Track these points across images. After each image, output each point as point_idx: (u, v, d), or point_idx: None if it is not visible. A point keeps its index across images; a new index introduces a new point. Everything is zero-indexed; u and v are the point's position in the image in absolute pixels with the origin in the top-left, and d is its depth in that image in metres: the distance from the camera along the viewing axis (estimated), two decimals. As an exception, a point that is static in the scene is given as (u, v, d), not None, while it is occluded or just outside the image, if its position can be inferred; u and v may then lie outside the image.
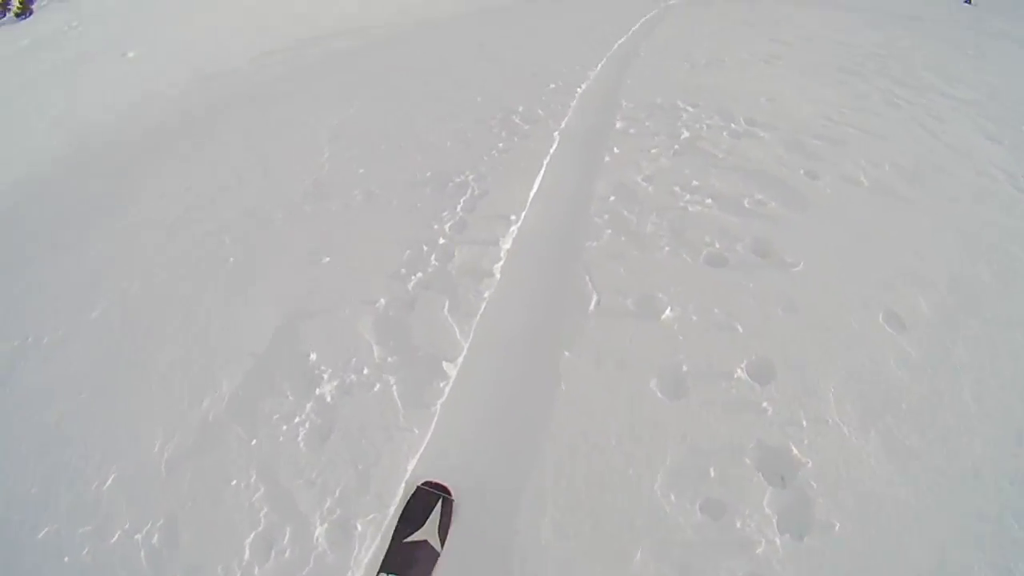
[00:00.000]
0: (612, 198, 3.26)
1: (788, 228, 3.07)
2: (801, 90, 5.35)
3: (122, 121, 5.85)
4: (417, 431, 2.11)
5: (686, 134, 4.11)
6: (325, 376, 2.31)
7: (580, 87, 5.17)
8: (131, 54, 7.98)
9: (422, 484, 1.96)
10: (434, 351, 2.39)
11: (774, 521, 1.81)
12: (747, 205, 3.25)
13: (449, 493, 1.95)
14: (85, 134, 5.59)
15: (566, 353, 2.32)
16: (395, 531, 1.86)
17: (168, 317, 2.71)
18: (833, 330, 2.44)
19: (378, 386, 2.27)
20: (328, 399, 2.23)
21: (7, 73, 7.46)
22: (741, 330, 2.40)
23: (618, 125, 4.24)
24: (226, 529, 1.86)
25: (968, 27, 11.15)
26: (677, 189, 3.37)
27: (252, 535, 1.84)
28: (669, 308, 2.50)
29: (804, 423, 2.10)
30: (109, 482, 2.04)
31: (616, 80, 5.38)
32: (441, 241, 2.97)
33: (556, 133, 4.14)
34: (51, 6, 10.37)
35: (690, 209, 3.17)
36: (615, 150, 3.83)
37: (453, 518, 1.91)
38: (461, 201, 3.28)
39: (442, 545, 1.85)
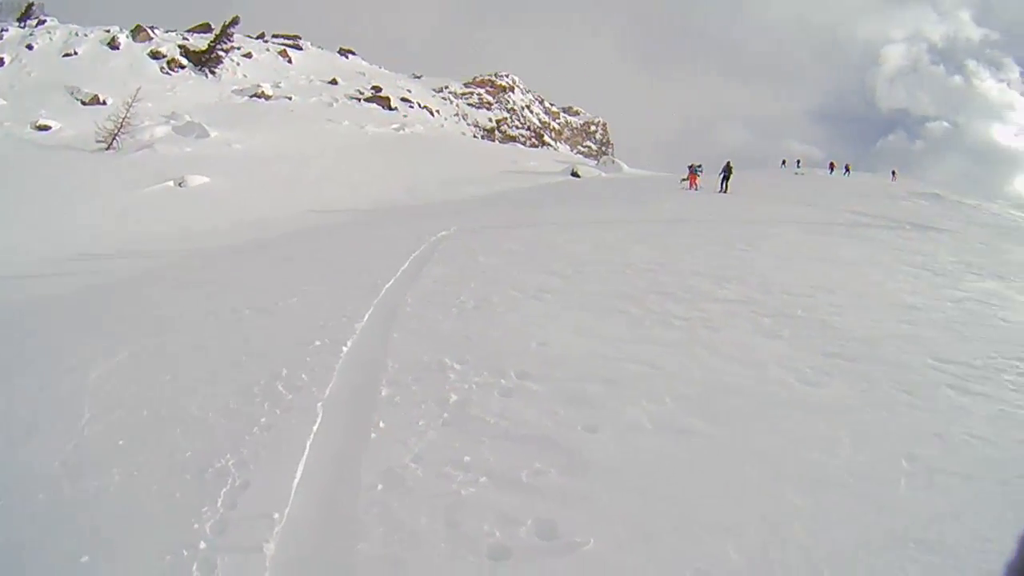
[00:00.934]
0: (380, 487, 2.94)
1: (572, 500, 2.84)
2: (573, 327, 5.21)
3: None
4: None
5: (454, 398, 3.86)
6: None
7: (346, 344, 4.85)
8: None
9: None
10: None
11: None
12: (525, 479, 3.00)
13: None
14: None
15: None
16: None
17: None
18: None
19: None
20: None
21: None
22: None
23: (384, 392, 3.94)
24: None
25: (734, 219, 12.51)
26: (449, 469, 3.08)
27: None
28: None
29: None
30: None
31: (382, 334, 5.09)
32: (202, 546, 2.61)
33: (319, 405, 3.82)
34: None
35: (463, 493, 2.88)
36: (381, 424, 3.53)
37: None
38: (222, 494, 2.94)
39: None
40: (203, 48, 65.43)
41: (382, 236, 11.00)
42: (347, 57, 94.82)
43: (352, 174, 30.85)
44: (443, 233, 10.54)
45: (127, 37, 62.22)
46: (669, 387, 4.02)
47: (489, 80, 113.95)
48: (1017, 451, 3.39)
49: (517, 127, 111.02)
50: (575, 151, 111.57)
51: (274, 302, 6.37)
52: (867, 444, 3.38)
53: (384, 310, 5.82)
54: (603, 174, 41.92)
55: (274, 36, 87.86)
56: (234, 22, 67.53)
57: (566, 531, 2.63)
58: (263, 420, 3.66)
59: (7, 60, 51.49)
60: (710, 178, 22.98)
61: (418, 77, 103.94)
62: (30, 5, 62.03)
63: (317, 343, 4.87)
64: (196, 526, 2.72)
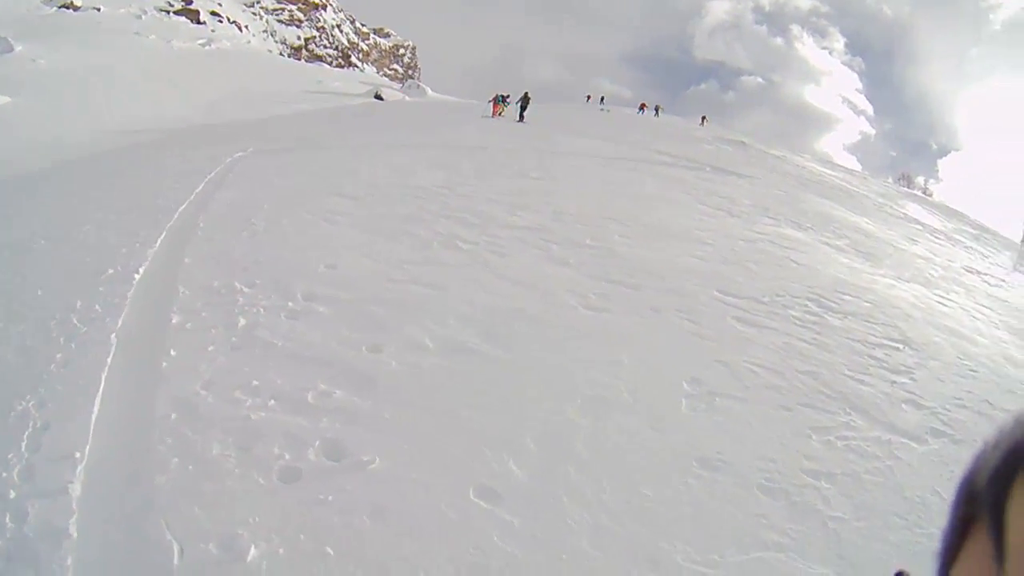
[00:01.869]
0: (174, 416, 2.93)
1: (358, 420, 2.92)
2: (362, 249, 5.29)
3: None
4: None
5: (243, 322, 3.86)
6: None
7: (139, 271, 4.71)
8: None
9: None
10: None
11: None
12: (311, 400, 3.06)
13: None
14: None
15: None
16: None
17: None
18: (427, 527, 2.35)
19: None
20: None
21: None
22: (333, 553, 2.19)
23: (175, 320, 3.90)
24: None
25: (533, 149, 12.89)
26: (238, 394, 3.09)
27: None
28: (253, 546, 2.21)
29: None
30: None
31: (175, 260, 5.00)
32: (12, 495, 2.51)
33: (113, 336, 3.72)
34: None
35: (253, 417, 2.91)
36: (172, 352, 3.49)
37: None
38: (25, 438, 2.83)
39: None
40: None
41: (180, 157, 10.17)
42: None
43: (155, 92, 29.41)
44: (240, 154, 10.05)
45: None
46: (453, 309, 4.16)
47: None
48: (800, 381, 3.79)
49: (325, 46, 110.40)
50: (381, 73, 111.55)
51: (68, 231, 5.90)
52: (650, 368, 3.67)
53: (177, 235, 5.64)
54: (407, 98, 41.87)
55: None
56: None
57: (353, 450, 2.70)
58: (59, 356, 3.52)
59: None
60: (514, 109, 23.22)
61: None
62: None
63: (110, 271, 4.69)
64: (4, 474, 2.62)
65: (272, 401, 3.02)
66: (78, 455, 2.72)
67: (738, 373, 3.75)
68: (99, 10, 59.84)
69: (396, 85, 57.49)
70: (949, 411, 3.80)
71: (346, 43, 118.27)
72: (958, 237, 13.25)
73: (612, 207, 7.77)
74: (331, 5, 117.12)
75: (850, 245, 8.27)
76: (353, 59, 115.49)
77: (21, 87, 25.62)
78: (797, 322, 4.78)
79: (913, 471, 3.10)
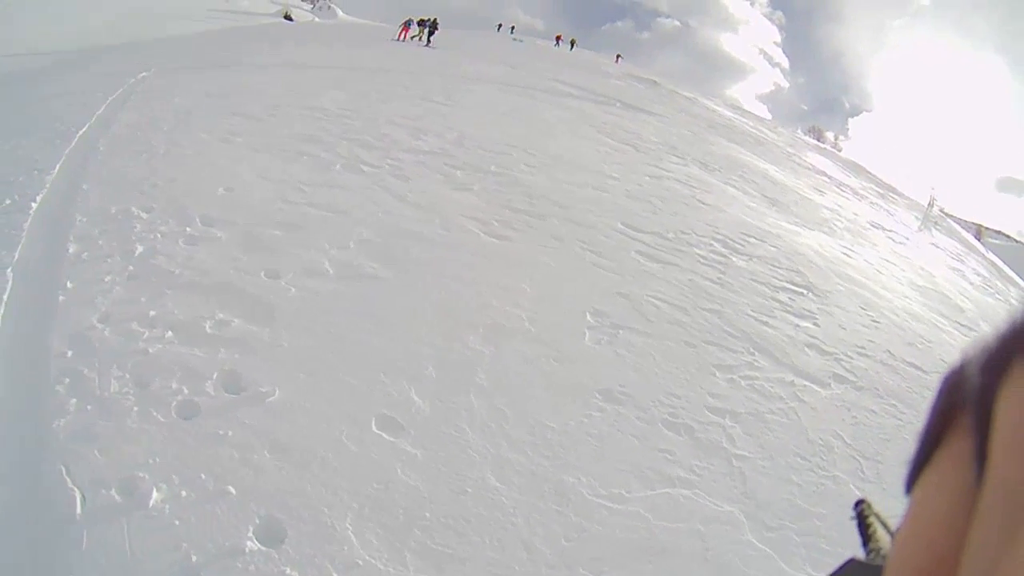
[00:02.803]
0: (70, 353, 2.76)
1: (256, 350, 2.84)
2: (260, 171, 5.13)
3: None
4: None
5: (140, 249, 3.69)
6: None
7: (35, 200, 4.41)
8: None
9: None
10: None
11: None
12: (209, 330, 2.96)
13: None
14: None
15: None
16: None
17: None
18: (328, 460, 2.28)
19: None
20: None
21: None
22: (235, 492, 2.11)
23: (71, 249, 3.69)
24: None
25: (438, 74, 12.62)
26: (135, 326, 2.95)
27: None
28: (155, 489, 2.10)
29: (334, 575, 1.84)
30: None
31: (72, 186, 4.72)
32: None
33: (9, 270, 3.49)
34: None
35: (151, 350, 2.78)
36: (68, 284, 3.30)
37: None
38: None
39: None
40: None
41: (79, 80, 9.36)
42: None
43: (54, 9, 25.26)
44: (143, 75, 9.47)
45: None
46: (353, 232, 4.08)
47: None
48: (704, 318, 3.87)
49: None
50: None
51: None
52: (551, 297, 3.67)
53: (76, 160, 5.32)
54: (317, 19, 40.32)
55: None
56: None
57: (251, 381, 2.61)
58: None
59: None
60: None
61: None
62: None
63: (7, 201, 4.37)
64: None
65: (169, 332, 2.90)
66: (-29, 399, 2.48)
67: (641, 307, 3.82)
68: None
69: (307, 6, 54.04)
70: (851, 358, 4.03)
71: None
72: (865, 194, 14.16)
73: (518, 136, 7.67)
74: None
75: (757, 190, 8.62)
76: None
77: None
78: (702, 260, 4.92)
79: (816, 415, 3.24)
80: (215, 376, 2.62)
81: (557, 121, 9.46)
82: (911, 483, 0.22)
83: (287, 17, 36.29)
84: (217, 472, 2.18)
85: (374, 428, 2.43)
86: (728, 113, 20.97)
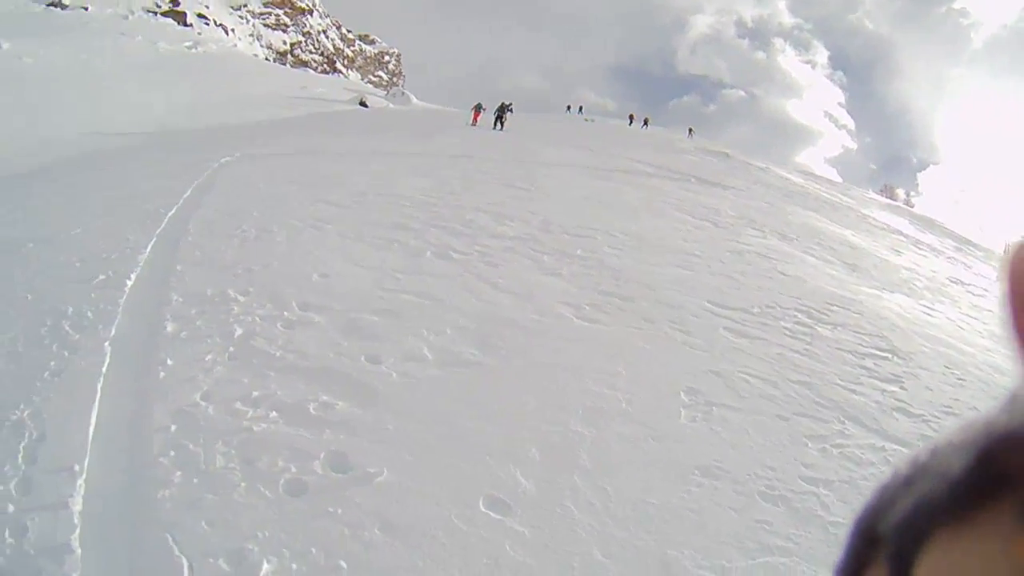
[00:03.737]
0: (173, 428, 2.89)
1: (361, 432, 2.92)
2: (353, 258, 5.30)
3: None
4: None
5: (239, 331, 3.82)
6: None
7: (130, 277, 4.65)
8: None
9: None
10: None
11: None
12: (313, 411, 3.05)
13: None
14: None
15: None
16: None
17: None
18: (438, 538, 2.35)
19: None
20: None
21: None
22: (346, 567, 2.19)
23: (169, 328, 3.85)
24: None
25: (516, 159, 12.94)
26: (239, 405, 3.06)
27: None
28: (265, 561, 2.19)
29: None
30: None
31: (166, 266, 4.96)
32: (10, 509, 2.44)
33: (107, 344, 3.67)
34: None
35: (256, 429, 2.89)
36: (169, 362, 3.44)
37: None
38: (21, 449, 2.75)
39: None
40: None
41: (165, 161, 10.19)
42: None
43: (140, 94, 29.59)
44: (227, 159, 10.00)
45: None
46: (448, 319, 4.17)
47: (289, 0, 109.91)
48: (794, 390, 3.86)
49: (311, 52, 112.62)
50: (366, 80, 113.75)
51: (56, 233, 5.83)
52: (646, 378, 3.73)
53: (167, 241, 5.59)
54: (391, 105, 42.29)
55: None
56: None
57: (358, 462, 2.69)
58: (52, 364, 3.43)
59: None
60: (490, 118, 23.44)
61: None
62: None
63: (101, 277, 4.63)
64: (1, 488, 2.54)
65: (273, 412, 3.00)
66: (77, 468, 2.64)
67: (733, 383, 3.82)
68: (87, 9, 61.28)
69: (381, 92, 58.14)
70: (939, 418, 3.91)
71: (332, 49, 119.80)
72: (941, 249, 13.56)
73: (600, 218, 7.85)
74: (317, 10, 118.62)
75: (836, 256, 8.43)
76: (338, 65, 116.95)
77: (7, 84, 25.57)
78: (787, 333, 4.88)
79: (907, 478, 3.14)
80: (322, 456, 2.71)
81: (637, 201, 9.67)
82: None
83: (363, 103, 38.46)
84: (328, 547, 2.25)
85: (482, 508, 2.48)
86: (800, 180, 20.76)
